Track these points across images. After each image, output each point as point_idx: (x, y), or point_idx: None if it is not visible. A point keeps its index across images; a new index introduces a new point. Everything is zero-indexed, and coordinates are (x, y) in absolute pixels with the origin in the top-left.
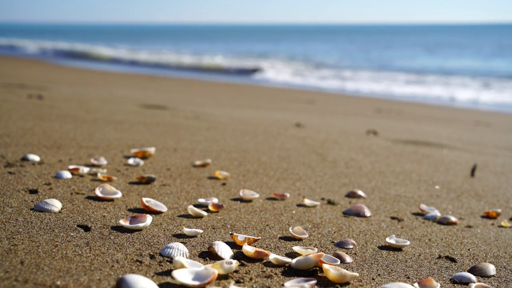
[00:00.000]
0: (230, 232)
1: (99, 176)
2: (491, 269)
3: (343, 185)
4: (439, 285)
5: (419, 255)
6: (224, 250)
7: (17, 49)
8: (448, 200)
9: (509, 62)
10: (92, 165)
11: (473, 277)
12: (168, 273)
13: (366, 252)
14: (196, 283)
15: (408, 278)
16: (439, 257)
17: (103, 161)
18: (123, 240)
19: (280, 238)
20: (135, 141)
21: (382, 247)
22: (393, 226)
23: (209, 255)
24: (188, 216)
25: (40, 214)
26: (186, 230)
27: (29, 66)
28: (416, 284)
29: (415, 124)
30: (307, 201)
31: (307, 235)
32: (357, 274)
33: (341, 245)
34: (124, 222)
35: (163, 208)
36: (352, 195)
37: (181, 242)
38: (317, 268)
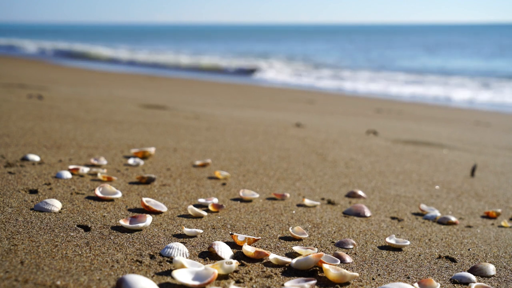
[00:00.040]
0: (230, 232)
1: (99, 176)
2: (491, 269)
3: (343, 185)
4: (439, 285)
5: (419, 255)
6: (224, 250)
7: (16, 49)
8: (448, 200)
9: (509, 62)
10: (92, 165)
11: (473, 277)
12: (168, 273)
13: (366, 252)
14: (196, 283)
15: (408, 278)
16: (439, 257)
17: (103, 161)
18: (123, 240)
19: (280, 238)
20: (135, 141)
21: (382, 247)
22: (393, 226)
23: (209, 255)
24: (188, 216)
25: (40, 214)
26: (186, 230)
27: (29, 66)
28: (416, 284)
29: (415, 124)
30: (307, 201)
31: (307, 235)
32: (357, 274)
33: (341, 245)
34: (124, 222)
35: (163, 208)
36: (352, 195)
37: (181, 242)
38: (317, 268)
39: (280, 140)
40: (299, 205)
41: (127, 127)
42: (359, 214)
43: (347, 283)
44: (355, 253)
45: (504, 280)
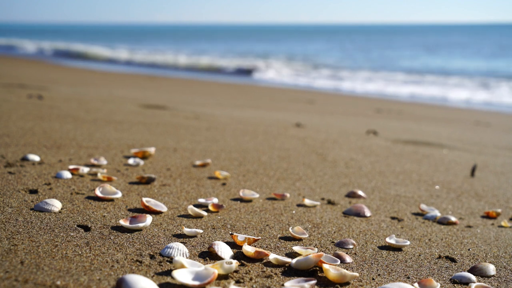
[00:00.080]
0: (230, 232)
1: (99, 176)
2: (491, 269)
3: (343, 185)
4: (439, 285)
5: (419, 255)
6: (224, 250)
7: (15, 49)
8: (448, 200)
9: (509, 62)
10: (92, 165)
11: (473, 277)
12: (168, 273)
13: (366, 252)
14: (196, 283)
15: (408, 278)
16: (439, 257)
17: (103, 161)
18: (123, 240)
19: (280, 238)
20: (135, 141)
21: (382, 247)
22: (393, 226)
23: (209, 255)
24: (188, 216)
25: (40, 214)
26: (186, 230)
27: (29, 66)
28: (416, 284)
29: (415, 124)
30: (307, 201)
31: (307, 235)
32: (357, 274)
33: (341, 245)
34: (124, 222)
35: (163, 208)
36: (352, 195)
37: (181, 242)
38: (317, 268)
39: (280, 140)
40: (299, 205)
41: (127, 127)
42: (359, 214)
43: (347, 283)
44: (355, 253)
45: (504, 280)
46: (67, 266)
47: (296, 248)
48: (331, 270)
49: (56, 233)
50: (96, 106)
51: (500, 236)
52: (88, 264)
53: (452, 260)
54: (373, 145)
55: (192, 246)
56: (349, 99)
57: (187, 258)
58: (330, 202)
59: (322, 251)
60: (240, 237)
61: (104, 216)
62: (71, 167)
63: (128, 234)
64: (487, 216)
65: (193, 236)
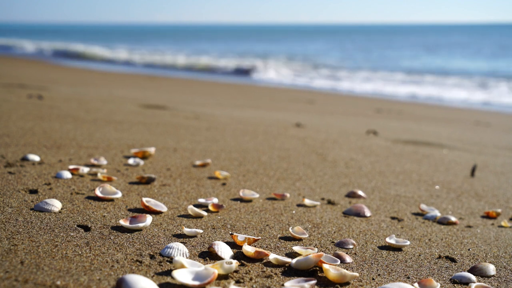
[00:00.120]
0: (230, 232)
1: (99, 176)
2: (491, 269)
3: (343, 185)
4: (439, 285)
5: (419, 255)
6: (224, 250)
7: (14, 49)
8: (448, 200)
9: (509, 62)
10: (92, 165)
11: (473, 277)
12: (168, 273)
13: (366, 252)
14: (196, 283)
15: (408, 278)
16: (439, 257)
17: (103, 161)
18: (123, 240)
19: (280, 238)
20: (135, 141)
21: (382, 247)
22: (393, 226)
23: (209, 255)
24: (188, 216)
25: (40, 214)
26: (186, 230)
27: (29, 66)
28: (416, 284)
29: (415, 124)
30: (307, 201)
31: (307, 235)
32: (357, 274)
33: (341, 245)
34: (124, 222)
35: (163, 208)
36: (352, 195)
37: (181, 242)
38: (317, 268)
39: (280, 140)
40: (299, 205)
41: (127, 127)
42: (359, 214)
43: (347, 283)
44: (355, 253)
45: (504, 280)
46: (67, 266)
47: (296, 248)
48: (331, 270)
49: (56, 233)
50: (96, 106)
51: (500, 236)
52: (88, 264)
53: (452, 260)
54: (373, 145)
55: (192, 246)
56: (349, 99)
57: (187, 258)
58: (330, 202)
59: (322, 251)
60: (240, 237)
61: (104, 216)
62: (71, 167)
63: (128, 234)
64: (487, 216)
65: (193, 236)
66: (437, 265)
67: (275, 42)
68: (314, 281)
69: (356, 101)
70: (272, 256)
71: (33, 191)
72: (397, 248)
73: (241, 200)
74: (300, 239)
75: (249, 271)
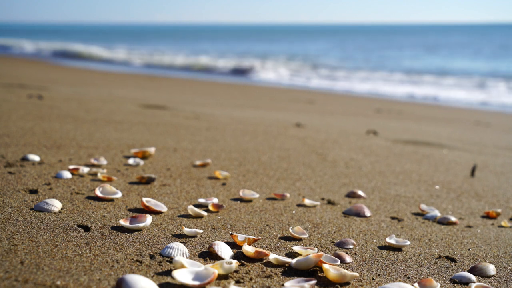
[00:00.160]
0: (230, 232)
1: (99, 176)
2: (491, 269)
3: (343, 185)
4: (439, 285)
5: (419, 255)
6: (224, 250)
7: (14, 49)
8: (448, 200)
9: (509, 62)
10: (92, 165)
11: (473, 277)
12: (168, 273)
13: (366, 252)
14: (196, 283)
15: (408, 278)
16: (439, 257)
17: (103, 161)
18: (123, 240)
19: (280, 238)
20: (135, 141)
21: (382, 247)
22: (393, 226)
23: (209, 255)
24: (188, 216)
25: (40, 214)
26: (186, 230)
27: (29, 66)
28: (416, 284)
29: (415, 124)
30: (307, 201)
31: (307, 235)
32: (357, 274)
33: (341, 245)
34: (124, 222)
35: (163, 208)
36: (352, 195)
37: (181, 242)
38: (317, 268)
39: (280, 140)
40: (299, 205)
41: (127, 127)
42: (359, 214)
43: (347, 283)
44: (355, 253)
45: (504, 280)
46: (67, 266)
47: (296, 248)
48: (331, 270)
49: (56, 233)
50: (96, 106)
51: (500, 236)
52: (88, 264)
53: (452, 260)
54: (373, 145)
55: (192, 246)
56: (349, 99)
57: (187, 258)
58: (330, 202)
59: (322, 251)
60: (240, 237)
61: (104, 216)
62: (71, 167)
63: (128, 234)
64: (487, 216)
65: (193, 236)
66: (437, 265)
67: (275, 42)
68: (314, 281)
69: (356, 101)
70: (272, 256)
71: (33, 191)
72: (397, 248)
73: (241, 200)
74: (300, 239)
75: (249, 271)
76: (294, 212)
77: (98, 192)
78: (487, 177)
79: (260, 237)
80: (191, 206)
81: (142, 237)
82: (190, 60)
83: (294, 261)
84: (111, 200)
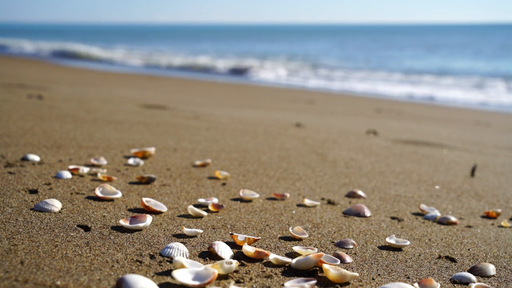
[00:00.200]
0: (230, 232)
1: (99, 176)
2: (491, 269)
3: (343, 185)
4: (439, 285)
5: (419, 255)
6: (224, 250)
7: (12, 49)
8: (448, 200)
9: (509, 62)
10: (92, 165)
11: (473, 277)
12: (168, 273)
13: (366, 252)
14: (196, 283)
15: (408, 278)
16: (439, 257)
17: (103, 161)
18: (123, 240)
19: (280, 238)
20: (135, 141)
21: (382, 247)
22: (393, 226)
23: (209, 255)
24: (188, 216)
25: (40, 214)
26: (186, 230)
27: (29, 66)
28: (416, 284)
29: (415, 124)
30: (307, 201)
31: (307, 235)
32: (357, 274)
33: (341, 245)
34: (124, 222)
35: (163, 208)
36: (352, 195)
37: (181, 242)
38: (317, 268)
39: (280, 140)
40: (299, 205)
41: (127, 127)
42: (359, 214)
43: (347, 283)
44: (355, 253)
45: (504, 280)
46: (67, 266)
47: (296, 248)
48: (331, 270)
49: (56, 233)
50: (96, 106)
51: (500, 236)
52: (88, 264)
53: (452, 260)
54: (373, 145)
55: (192, 246)
56: (349, 99)
57: (187, 258)
58: (330, 202)
59: (322, 251)
60: (240, 237)
61: (104, 216)
62: (71, 167)
63: (128, 234)
64: (487, 216)
65: (193, 236)
66: (437, 265)
67: (275, 42)
68: (314, 281)
69: (356, 101)
70: (272, 256)
71: (33, 191)
72: (397, 248)
73: (241, 200)
74: (300, 239)
75: (249, 271)
76: (294, 212)
77: (98, 192)
78: (487, 177)
79: (260, 237)
80: (191, 206)
81: (142, 237)
82: (190, 60)
83: (294, 261)
84: (111, 200)
